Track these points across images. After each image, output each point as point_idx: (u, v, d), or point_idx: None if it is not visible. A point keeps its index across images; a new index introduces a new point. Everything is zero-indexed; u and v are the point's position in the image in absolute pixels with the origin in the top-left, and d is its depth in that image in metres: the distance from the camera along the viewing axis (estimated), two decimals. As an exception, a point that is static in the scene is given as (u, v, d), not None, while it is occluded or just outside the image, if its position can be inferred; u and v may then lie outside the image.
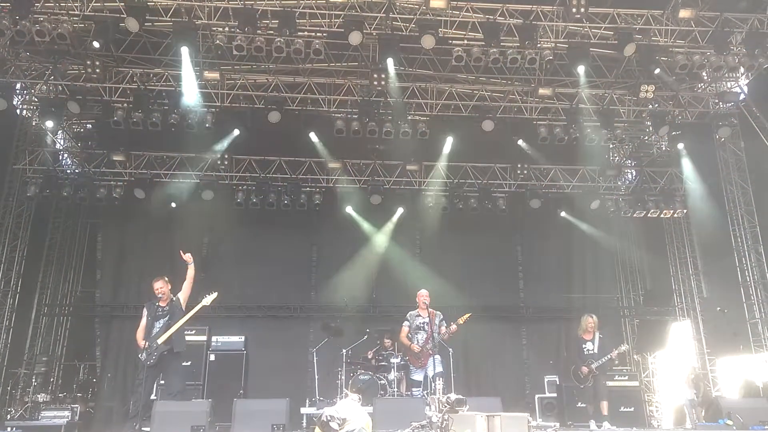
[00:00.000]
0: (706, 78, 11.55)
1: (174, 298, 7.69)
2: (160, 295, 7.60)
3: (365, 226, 13.07)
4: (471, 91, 11.73)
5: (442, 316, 8.78)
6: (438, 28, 9.67)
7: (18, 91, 11.38)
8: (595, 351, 8.93)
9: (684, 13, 9.79)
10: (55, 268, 13.30)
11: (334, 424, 5.65)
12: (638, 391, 10.40)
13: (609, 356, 8.85)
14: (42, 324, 13.02)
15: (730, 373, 11.74)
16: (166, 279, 7.77)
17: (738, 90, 11.48)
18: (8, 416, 10.17)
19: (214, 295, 7.65)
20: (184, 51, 9.65)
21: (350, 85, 11.33)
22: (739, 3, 10.19)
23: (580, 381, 8.87)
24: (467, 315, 8.67)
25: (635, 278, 14.71)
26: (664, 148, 13.46)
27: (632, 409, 10.03)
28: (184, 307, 7.62)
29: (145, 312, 7.67)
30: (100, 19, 9.31)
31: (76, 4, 9.35)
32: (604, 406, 8.70)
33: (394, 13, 9.85)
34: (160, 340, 7.38)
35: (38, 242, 12.78)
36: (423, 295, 8.72)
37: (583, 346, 9.00)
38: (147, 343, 7.37)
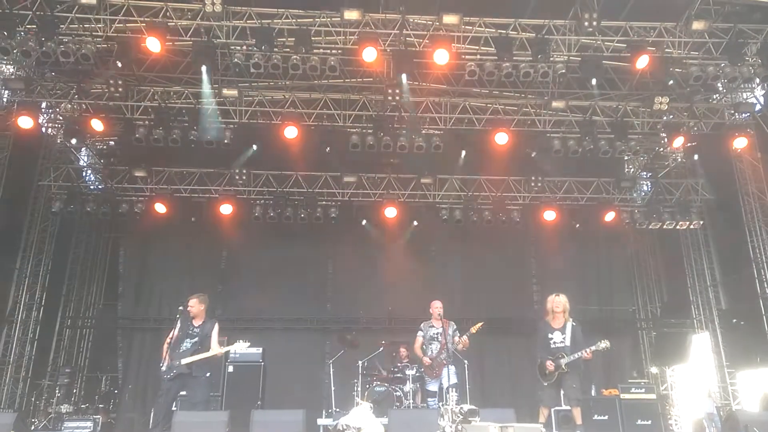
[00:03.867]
0: (721, 89, 11.53)
1: (210, 323, 7.61)
2: (190, 308, 7.60)
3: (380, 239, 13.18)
4: (484, 105, 11.83)
5: (455, 326, 8.81)
6: (451, 44, 9.82)
7: (43, 110, 11.72)
8: (567, 343, 7.39)
9: (697, 25, 9.79)
10: (78, 282, 13.66)
11: (350, 433, 5.77)
12: (655, 404, 10.30)
13: (579, 354, 7.25)
14: (65, 336, 13.34)
15: (751, 387, 11.60)
16: (201, 299, 7.64)
17: (754, 100, 11.46)
18: (32, 426, 10.39)
19: (247, 344, 7.65)
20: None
21: (365, 101, 11.52)
22: (754, 14, 10.20)
23: (544, 378, 7.50)
24: (479, 324, 8.58)
25: (652, 290, 14.65)
26: (679, 160, 13.43)
27: (649, 422, 9.93)
28: (215, 338, 7.67)
29: (178, 324, 7.56)
30: (122, 39, 9.62)
31: (99, 26, 9.65)
32: (577, 413, 7.49)
33: (407, 30, 10.02)
34: (183, 361, 7.41)
35: (62, 256, 13.14)
36: (436, 306, 8.77)
37: (550, 335, 7.50)
38: (170, 360, 7.43)
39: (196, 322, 7.57)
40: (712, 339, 12.88)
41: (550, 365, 7.37)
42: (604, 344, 7.29)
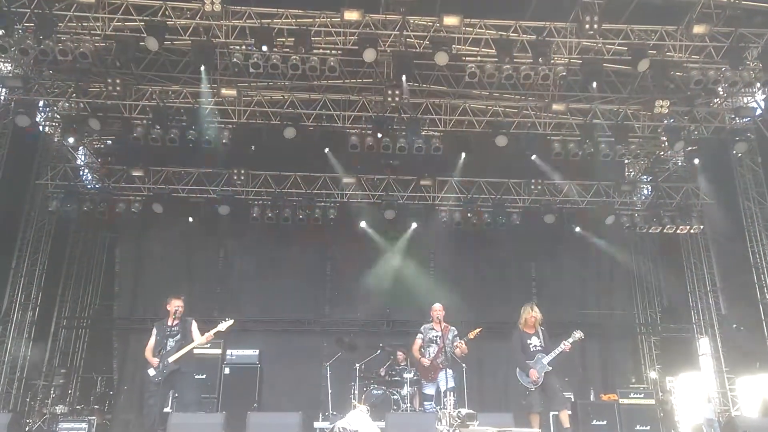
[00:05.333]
0: (721, 93, 11.51)
1: (186, 320, 7.71)
2: (176, 314, 7.64)
3: (379, 241, 13.12)
4: (485, 107, 11.82)
5: (456, 332, 8.75)
6: (451, 45, 9.81)
7: (41, 108, 11.68)
8: (543, 345, 7.81)
9: (698, 29, 9.78)
10: (74, 282, 13.57)
11: (346, 436, 5.71)
12: (654, 409, 10.24)
13: (561, 349, 7.63)
14: (61, 337, 13.27)
15: (750, 392, 11.54)
16: (184, 300, 7.79)
17: (754, 105, 11.44)
18: (27, 427, 10.31)
19: (230, 322, 7.71)
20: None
21: (365, 102, 11.48)
22: (754, 18, 10.18)
23: (528, 384, 7.65)
24: (477, 330, 8.57)
25: (652, 295, 14.61)
26: (680, 164, 13.40)
27: (648, 427, 9.86)
28: (196, 332, 7.69)
29: (154, 332, 7.71)
30: (120, 38, 9.57)
31: (97, 24, 9.64)
32: (565, 416, 7.74)
33: (408, 31, 10.01)
34: (171, 359, 7.42)
35: (58, 256, 13.06)
36: (436, 309, 8.71)
37: (528, 341, 7.81)
38: (159, 362, 7.44)
39: (171, 322, 7.62)
40: (711, 344, 12.83)
41: (533, 374, 7.56)
42: (578, 334, 7.75)
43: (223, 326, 7.68)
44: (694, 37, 9.95)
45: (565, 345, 7.65)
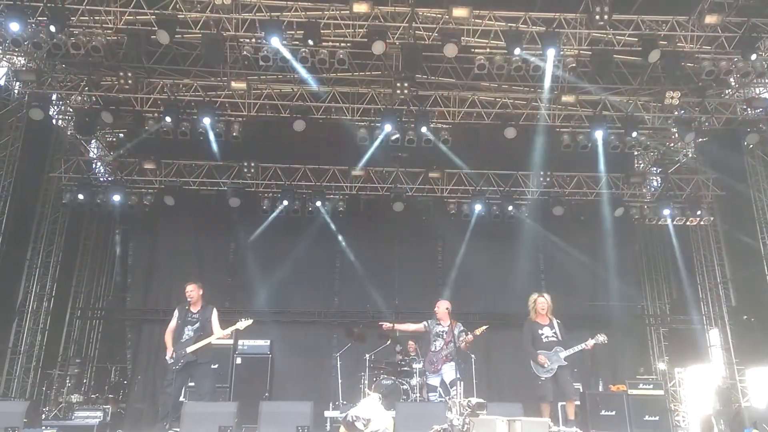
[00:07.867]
0: (733, 84, 11.42)
1: (208, 308, 7.75)
2: (189, 299, 7.72)
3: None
4: (493, 99, 11.79)
5: (462, 327, 8.77)
6: (460, 37, 9.77)
7: (54, 102, 11.79)
8: (558, 338, 7.71)
9: (710, 19, 9.69)
10: (87, 273, 13.75)
11: (359, 424, 5.79)
12: (663, 399, 10.26)
13: (583, 346, 7.61)
14: (75, 327, 13.48)
15: (760, 384, 11.53)
16: (199, 285, 7.84)
17: (766, 96, 11.34)
18: (43, 415, 10.50)
19: (249, 322, 7.71)
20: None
21: (373, 94, 11.49)
22: (767, 8, 10.09)
23: (541, 372, 7.66)
24: (484, 327, 8.57)
25: (661, 286, 14.59)
26: (690, 155, 13.33)
27: (657, 418, 9.88)
28: (216, 322, 7.75)
29: (176, 314, 7.75)
30: (132, 32, 9.63)
31: (109, 18, 9.67)
32: (572, 408, 7.74)
33: (416, 23, 9.97)
34: (189, 349, 7.49)
35: (72, 248, 13.25)
36: (442, 305, 8.73)
37: (540, 331, 7.73)
38: (174, 351, 7.53)
39: (194, 309, 7.68)
40: (721, 336, 12.80)
41: (542, 360, 7.56)
42: (602, 337, 7.67)
43: (241, 325, 7.69)
44: (705, 27, 9.84)
45: (587, 344, 7.61)
